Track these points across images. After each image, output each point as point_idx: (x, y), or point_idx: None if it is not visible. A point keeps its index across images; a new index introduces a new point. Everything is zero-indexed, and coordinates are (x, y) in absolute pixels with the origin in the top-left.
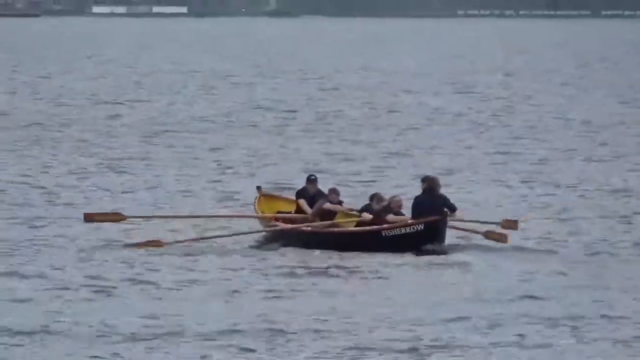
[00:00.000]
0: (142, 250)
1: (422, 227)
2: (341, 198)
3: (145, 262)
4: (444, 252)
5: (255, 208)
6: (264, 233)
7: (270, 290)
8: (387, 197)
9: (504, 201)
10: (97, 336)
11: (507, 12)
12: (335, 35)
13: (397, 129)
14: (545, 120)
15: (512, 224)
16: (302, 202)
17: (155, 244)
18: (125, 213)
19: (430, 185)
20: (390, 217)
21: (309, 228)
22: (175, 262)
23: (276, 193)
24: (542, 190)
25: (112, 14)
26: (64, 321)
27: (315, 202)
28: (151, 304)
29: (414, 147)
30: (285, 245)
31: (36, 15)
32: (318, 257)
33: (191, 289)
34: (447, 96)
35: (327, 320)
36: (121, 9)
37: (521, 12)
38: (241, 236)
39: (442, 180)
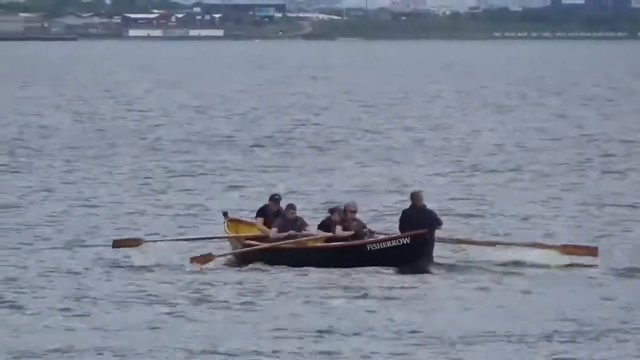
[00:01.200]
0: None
1: (408, 240)
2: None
3: (136, 283)
4: (428, 269)
5: (227, 233)
6: (243, 252)
7: (261, 309)
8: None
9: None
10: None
11: (544, 34)
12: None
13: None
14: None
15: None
16: (259, 222)
17: (206, 259)
18: (145, 238)
19: (415, 200)
20: (338, 231)
21: (292, 245)
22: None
23: (242, 218)
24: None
25: (148, 37)
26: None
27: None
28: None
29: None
30: (267, 263)
31: (74, 39)
32: (307, 274)
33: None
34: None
35: (323, 338)
36: (157, 32)
37: (558, 34)
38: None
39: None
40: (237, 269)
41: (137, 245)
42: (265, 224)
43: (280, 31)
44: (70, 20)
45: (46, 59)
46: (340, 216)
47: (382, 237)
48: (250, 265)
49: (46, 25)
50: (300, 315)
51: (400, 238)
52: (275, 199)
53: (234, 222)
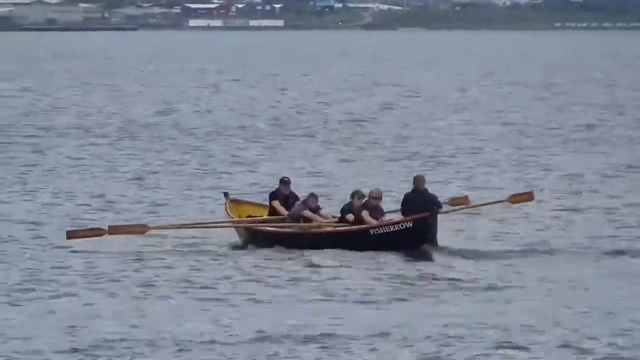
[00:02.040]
0: (133, 257)
1: (410, 224)
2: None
3: (137, 265)
4: (432, 254)
5: (228, 214)
6: (248, 235)
7: (267, 294)
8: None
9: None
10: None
11: (605, 25)
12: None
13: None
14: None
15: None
16: (276, 204)
17: (140, 229)
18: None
19: (417, 183)
20: (364, 215)
21: (296, 230)
22: (170, 270)
23: (243, 198)
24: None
25: (208, 27)
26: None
27: (287, 203)
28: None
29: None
30: (271, 246)
31: (134, 29)
32: (312, 258)
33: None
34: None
35: (328, 325)
36: (217, 22)
37: (618, 24)
38: (223, 237)
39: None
40: (242, 252)
41: (99, 235)
42: (275, 210)
43: (341, 21)
44: (130, 10)
45: (107, 49)
46: (360, 200)
47: (385, 221)
48: (255, 249)
49: (106, 15)
50: (304, 301)
51: (403, 222)
52: (285, 181)
53: (235, 203)
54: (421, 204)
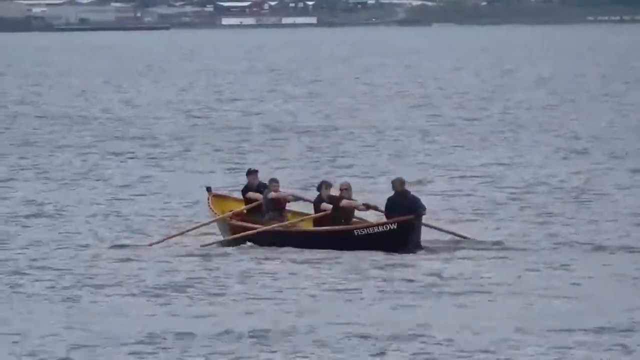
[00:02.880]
0: (127, 254)
1: (395, 226)
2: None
3: (133, 266)
4: (415, 256)
5: (211, 209)
6: (233, 235)
7: (252, 293)
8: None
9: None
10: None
11: (637, 17)
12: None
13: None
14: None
15: None
16: (251, 194)
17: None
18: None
19: (396, 186)
20: (344, 202)
21: (281, 228)
22: (159, 267)
23: (226, 193)
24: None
25: (241, 26)
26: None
27: (260, 193)
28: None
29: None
30: (255, 245)
31: (166, 28)
32: (295, 257)
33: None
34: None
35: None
36: (250, 20)
37: None
38: (210, 238)
39: None
40: (225, 251)
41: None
42: (251, 199)
43: (374, 18)
44: (163, 9)
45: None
46: (327, 189)
47: (369, 222)
48: (240, 248)
49: (138, 14)
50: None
51: (388, 224)
52: (252, 171)
53: (218, 198)
54: (405, 207)
